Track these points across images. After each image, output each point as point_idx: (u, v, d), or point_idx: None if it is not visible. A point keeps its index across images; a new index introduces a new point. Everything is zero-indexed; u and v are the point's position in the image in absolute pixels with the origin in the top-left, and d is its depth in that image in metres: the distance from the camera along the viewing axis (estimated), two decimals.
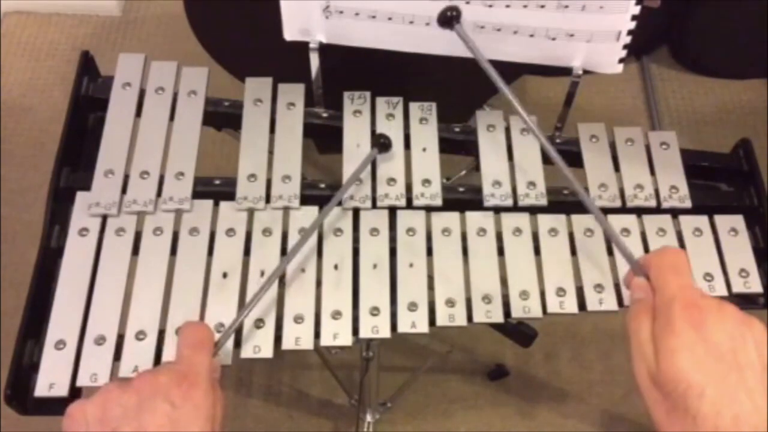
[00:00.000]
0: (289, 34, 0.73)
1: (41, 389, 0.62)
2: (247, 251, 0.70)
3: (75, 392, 0.63)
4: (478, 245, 0.71)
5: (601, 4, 0.68)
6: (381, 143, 0.73)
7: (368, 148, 0.76)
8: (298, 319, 0.66)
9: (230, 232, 0.70)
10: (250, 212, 0.72)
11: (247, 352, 0.64)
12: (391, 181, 0.74)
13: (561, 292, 0.69)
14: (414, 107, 0.79)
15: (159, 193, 0.72)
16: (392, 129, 0.77)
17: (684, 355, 0.45)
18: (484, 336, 1.33)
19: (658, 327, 0.48)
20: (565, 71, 0.74)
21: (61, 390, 0.62)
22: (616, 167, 0.77)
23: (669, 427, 0.45)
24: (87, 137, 0.78)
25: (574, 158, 0.78)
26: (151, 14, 1.75)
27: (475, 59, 0.74)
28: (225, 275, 0.68)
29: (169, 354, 0.64)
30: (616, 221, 0.74)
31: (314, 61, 0.75)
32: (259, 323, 0.66)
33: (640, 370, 0.48)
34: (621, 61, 0.72)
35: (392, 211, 0.73)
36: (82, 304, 0.66)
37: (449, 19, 0.66)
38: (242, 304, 0.67)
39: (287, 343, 0.65)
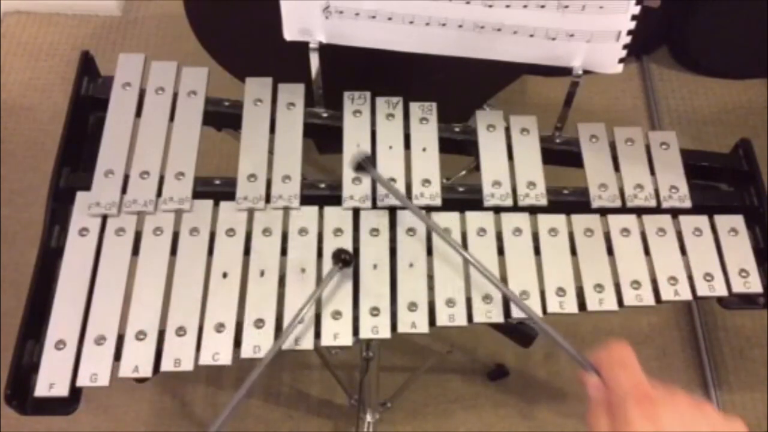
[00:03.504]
0: (289, 34, 0.73)
1: (41, 389, 0.62)
2: (247, 251, 0.70)
3: (75, 392, 0.63)
4: (478, 245, 0.71)
5: (601, 4, 0.68)
6: (342, 259, 0.67)
7: (369, 147, 0.76)
8: (299, 320, 0.66)
9: (230, 232, 0.70)
10: (250, 212, 0.72)
11: (247, 352, 0.64)
12: (391, 181, 0.74)
13: (561, 292, 0.69)
14: (414, 107, 0.79)
15: (159, 193, 0.72)
16: (392, 129, 0.77)
17: None
18: (484, 336, 1.33)
19: (615, 424, 0.49)
20: (565, 71, 0.74)
21: (61, 390, 0.62)
22: (616, 167, 0.77)
23: None
24: (87, 137, 0.78)
25: (574, 158, 0.78)
26: (151, 14, 1.75)
27: (475, 60, 0.74)
28: (225, 275, 0.68)
29: (169, 354, 0.64)
30: (616, 221, 0.74)
31: (314, 61, 0.75)
32: (259, 323, 0.66)
33: None
34: (621, 61, 0.72)
35: (392, 211, 0.73)
36: (82, 304, 0.66)
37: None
38: (242, 304, 0.67)
39: (287, 343, 0.65)
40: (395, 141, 0.76)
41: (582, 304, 0.69)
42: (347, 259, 0.66)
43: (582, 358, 0.55)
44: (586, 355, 0.54)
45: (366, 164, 0.69)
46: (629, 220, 0.74)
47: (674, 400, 0.49)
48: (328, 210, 0.72)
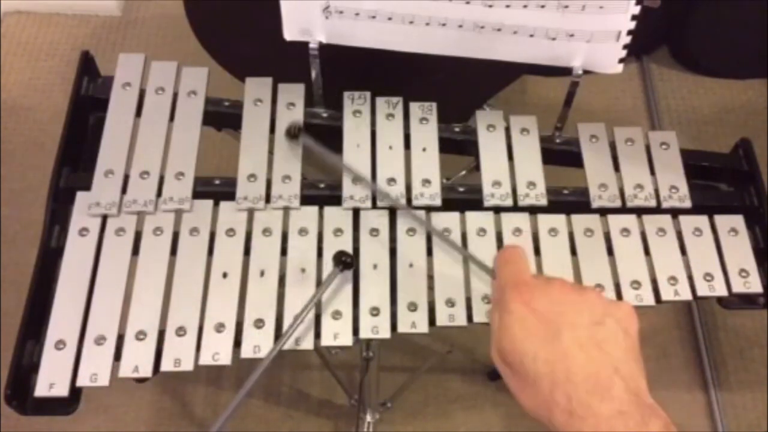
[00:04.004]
0: (289, 34, 0.73)
1: (41, 389, 0.62)
2: (247, 251, 0.70)
3: (75, 392, 0.63)
4: (478, 245, 0.71)
5: (601, 4, 0.68)
6: (344, 261, 0.66)
7: (368, 147, 0.76)
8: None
9: (230, 232, 0.70)
10: (250, 212, 0.72)
11: (247, 352, 0.64)
12: (391, 181, 0.74)
13: None
14: (414, 107, 0.79)
15: (159, 193, 0.72)
16: (392, 129, 0.77)
17: (516, 328, 0.49)
18: (484, 336, 1.32)
19: (500, 313, 0.51)
20: (565, 71, 0.74)
21: (61, 390, 0.62)
22: (616, 167, 0.77)
23: (523, 398, 0.49)
24: (87, 137, 0.78)
25: (574, 158, 0.78)
26: (151, 14, 1.75)
27: (475, 60, 0.74)
28: (225, 275, 0.68)
29: (169, 354, 0.64)
30: (616, 221, 0.74)
31: (314, 61, 0.75)
32: (259, 323, 0.66)
33: (493, 352, 0.52)
34: (621, 61, 0.72)
35: (392, 211, 0.73)
36: (82, 304, 0.66)
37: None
38: (242, 304, 0.67)
39: (287, 343, 0.65)
40: (395, 141, 0.76)
41: None
42: (348, 262, 0.66)
43: (486, 267, 0.63)
44: None
45: (299, 133, 0.73)
46: (629, 220, 0.74)
47: (550, 285, 0.51)
48: (328, 210, 0.72)
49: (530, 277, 0.52)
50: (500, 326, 0.51)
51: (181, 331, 0.65)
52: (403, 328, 0.67)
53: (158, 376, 0.64)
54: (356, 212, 0.72)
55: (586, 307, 0.49)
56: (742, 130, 1.58)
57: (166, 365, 0.64)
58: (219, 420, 0.56)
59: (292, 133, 0.73)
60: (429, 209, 0.73)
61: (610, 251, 0.72)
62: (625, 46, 0.71)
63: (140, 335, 0.65)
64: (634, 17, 0.69)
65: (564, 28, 0.70)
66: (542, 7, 0.69)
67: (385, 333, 0.66)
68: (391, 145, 0.76)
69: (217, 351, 0.64)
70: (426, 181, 0.74)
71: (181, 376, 1.30)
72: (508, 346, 0.49)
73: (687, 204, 0.75)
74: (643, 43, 1.67)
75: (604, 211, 0.74)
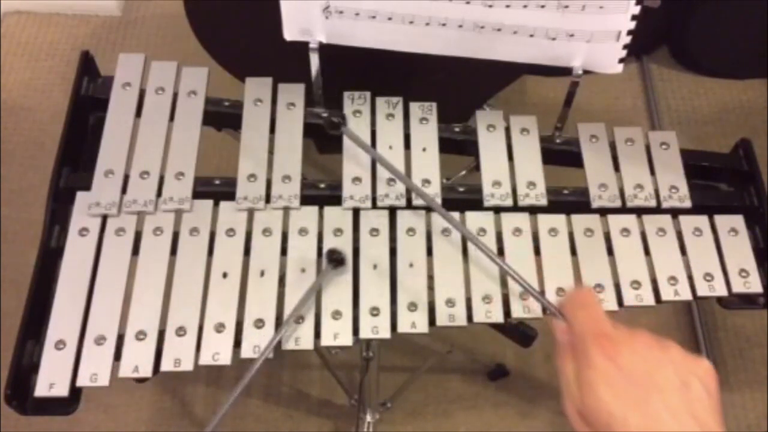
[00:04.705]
0: (289, 34, 0.73)
1: (41, 389, 0.62)
2: (247, 251, 0.70)
3: (75, 392, 0.63)
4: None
5: (601, 4, 0.68)
6: (334, 259, 0.67)
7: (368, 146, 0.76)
8: (299, 319, 0.66)
9: (230, 232, 0.70)
10: (250, 212, 0.72)
11: (247, 352, 0.64)
12: (391, 181, 0.74)
13: (561, 292, 0.69)
14: (414, 107, 0.79)
15: (159, 193, 0.72)
16: (392, 129, 0.77)
17: (602, 386, 0.46)
18: (484, 336, 1.33)
19: (577, 363, 0.49)
20: (565, 71, 0.74)
21: (61, 390, 0.62)
22: (616, 167, 0.77)
23: None
24: (87, 137, 0.78)
25: (574, 158, 0.78)
26: (151, 14, 1.75)
27: (475, 60, 0.74)
28: (225, 275, 0.68)
29: (169, 354, 0.64)
30: (616, 221, 0.74)
31: (314, 61, 0.75)
32: (258, 323, 0.66)
33: (569, 407, 0.49)
34: (621, 61, 0.72)
35: (392, 211, 0.73)
36: (82, 304, 0.66)
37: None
38: (242, 304, 0.67)
39: (287, 343, 0.65)
40: (395, 141, 0.77)
41: None
42: (338, 259, 0.66)
43: (549, 304, 0.59)
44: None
45: (341, 122, 0.72)
46: (629, 220, 0.74)
47: (634, 339, 0.49)
48: (328, 210, 0.72)
49: (611, 328, 0.50)
50: (582, 381, 0.48)
51: (181, 331, 0.65)
52: (403, 328, 0.67)
53: (158, 376, 0.64)
54: (356, 212, 0.72)
55: (671, 365, 0.47)
56: (742, 130, 1.58)
57: (166, 365, 0.64)
58: (214, 419, 0.56)
59: (334, 124, 0.72)
60: (429, 209, 0.73)
61: (610, 251, 0.72)
62: (625, 46, 0.71)
63: (140, 335, 0.65)
64: (634, 17, 0.69)
65: (564, 28, 0.70)
66: (542, 7, 0.69)
67: (385, 333, 0.66)
68: (391, 145, 0.76)
69: (217, 351, 0.64)
70: (426, 181, 0.74)
71: (181, 376, 1.30)
72: (592, 405, 0.47)
73: (687, 204, 0.75)
74: (643, 43, 1.68)
75: (604, 211, 0.74)
